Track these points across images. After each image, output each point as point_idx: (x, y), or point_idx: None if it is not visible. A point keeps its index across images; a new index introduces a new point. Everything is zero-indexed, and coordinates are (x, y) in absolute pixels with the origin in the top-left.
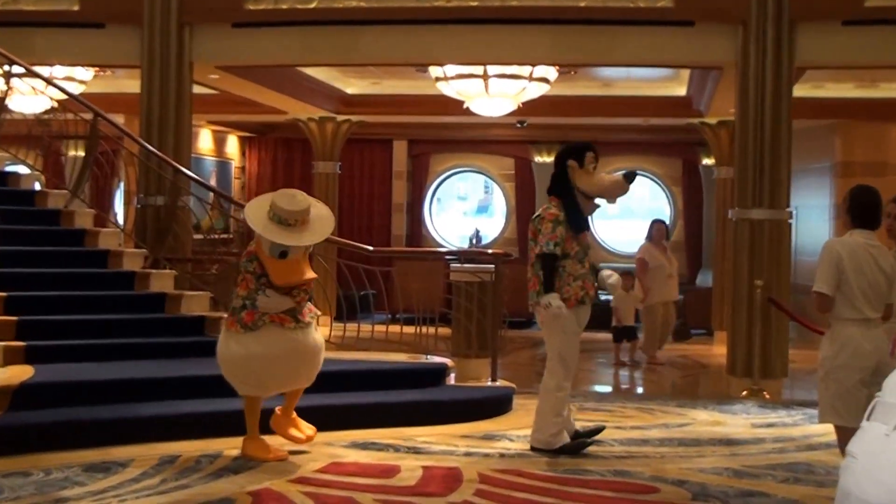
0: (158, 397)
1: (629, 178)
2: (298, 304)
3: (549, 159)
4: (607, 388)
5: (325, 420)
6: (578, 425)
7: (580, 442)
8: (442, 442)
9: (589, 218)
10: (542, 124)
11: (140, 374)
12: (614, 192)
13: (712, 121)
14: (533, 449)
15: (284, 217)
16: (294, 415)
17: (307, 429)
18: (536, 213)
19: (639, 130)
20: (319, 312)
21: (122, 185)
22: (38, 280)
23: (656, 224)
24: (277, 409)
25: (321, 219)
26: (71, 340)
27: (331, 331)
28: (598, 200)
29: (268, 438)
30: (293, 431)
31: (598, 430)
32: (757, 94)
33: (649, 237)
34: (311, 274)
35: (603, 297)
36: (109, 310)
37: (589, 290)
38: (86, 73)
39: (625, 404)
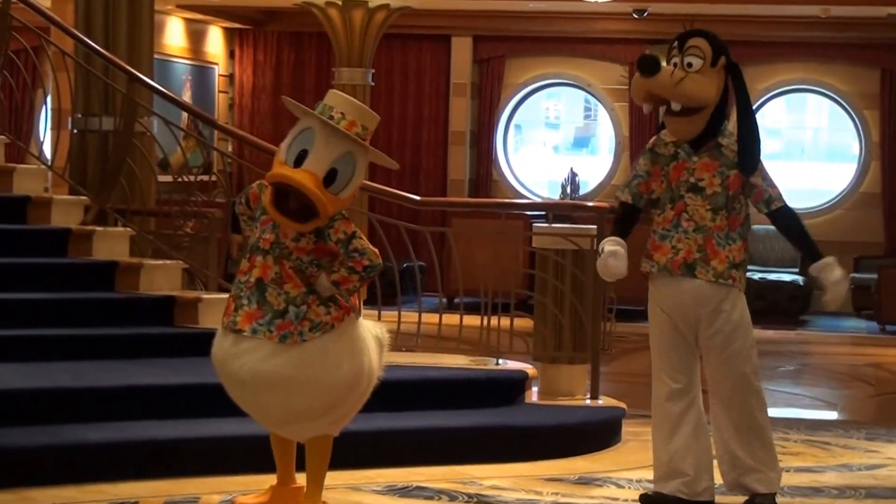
0: (103, 416)
1: (640, 66)
2: (238, 287)
3: None
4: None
5: (350, 453)
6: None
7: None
8: (518, 487)
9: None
10: (670, 14)
11: (77, 382)
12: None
13: None
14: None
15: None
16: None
17: None
18: None
19: (815, 25)
20: (324, 316)
21: (48, 100)
22: None
23: None
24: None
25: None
26: None
27: None
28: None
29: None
30: None
31: None
32: None
33: None
34: (297, 176)
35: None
36: (29, 286)
37: (654, 253)
38: None
39: (787, 434)
